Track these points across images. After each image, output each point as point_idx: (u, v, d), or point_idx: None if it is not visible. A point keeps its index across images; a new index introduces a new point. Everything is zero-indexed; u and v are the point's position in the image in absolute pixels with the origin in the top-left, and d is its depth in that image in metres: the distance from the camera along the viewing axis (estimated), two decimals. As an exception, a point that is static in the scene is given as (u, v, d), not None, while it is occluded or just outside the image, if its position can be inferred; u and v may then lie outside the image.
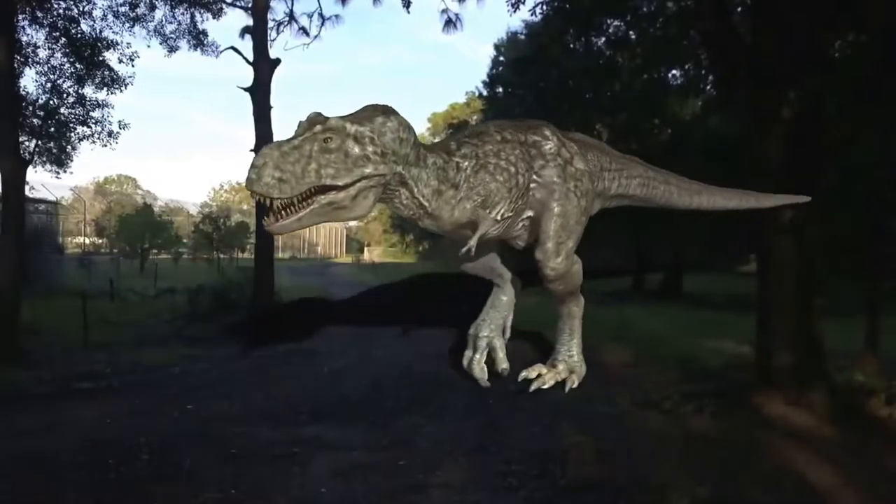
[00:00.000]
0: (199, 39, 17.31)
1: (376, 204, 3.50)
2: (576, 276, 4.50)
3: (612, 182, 4.85)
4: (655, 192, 5.10)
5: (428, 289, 13.87)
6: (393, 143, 3.37)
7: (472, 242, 3.80)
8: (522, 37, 28.13)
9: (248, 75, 15.06)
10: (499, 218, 3.96)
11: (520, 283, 5.09)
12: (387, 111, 3.45)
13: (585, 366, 4.86)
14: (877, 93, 6.51)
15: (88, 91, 18.03)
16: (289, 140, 3.12)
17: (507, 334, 5.22)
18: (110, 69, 17.61)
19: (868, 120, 6.92)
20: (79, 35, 16.56)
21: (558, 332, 4.94)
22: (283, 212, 3.12)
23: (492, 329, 5.06)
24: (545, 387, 4.77)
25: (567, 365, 4.82)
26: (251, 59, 15.02)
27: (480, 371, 4.96)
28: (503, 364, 5.03)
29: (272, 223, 3.16)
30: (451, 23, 15.03)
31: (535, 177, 4.10)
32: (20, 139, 16.13)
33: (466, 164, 3.78)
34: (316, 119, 3.19)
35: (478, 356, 5.02)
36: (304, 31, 17.34)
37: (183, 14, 17.01)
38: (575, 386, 4.79)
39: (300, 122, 3.21)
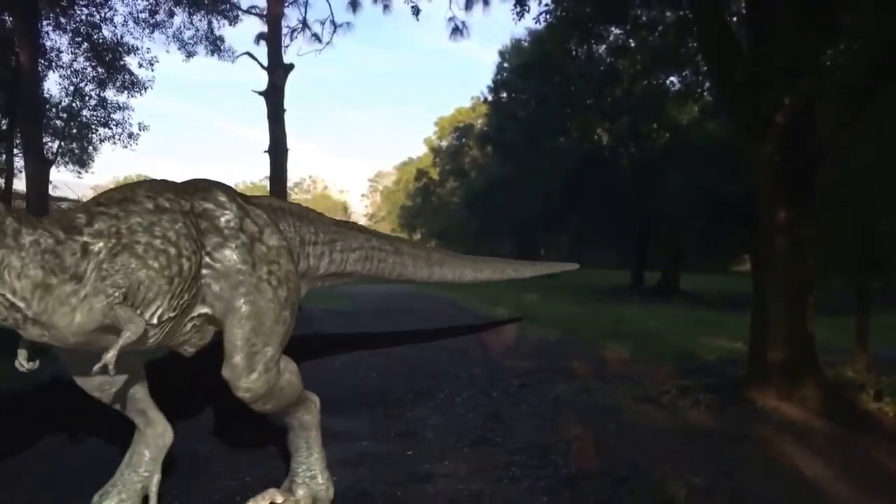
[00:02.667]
0: (215, 45, 17.41)
1: None
2: (289, 390, 3.35)
3: (320, 258, 3.72)
4: (383, 266, 4.14)
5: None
6: None
7: (110, 357, 2.58)
8: (526, 44, 28.12)
9: (262, 80, 15.11)
10: (155, 321, 2.77)
11: (171, 432, 3.62)
12: None
13: (333, 488, 3.81)
14: (868, 97, 6.48)
15: (109, 94, 18.20)
16: None
17: None
18: (131, 73, 17.75)
19: (860, 124, 6.89)
20: (100, 40, 16.67)
21: (291, 447, 3.81)
22: None
23: (122, 501, 3.41)
24: None
25: (309, 490, 3.70)
26: (266, 64, 15.05)
27: None
28: None
29: None
30: (457, 30, 15.09)
31: (208, 260, 2.93)
32: (44, 140, 16.23)
33: (100, 244, 2.61)
34: None
35: None
36: (317, 37, 17.44)
37: (200, 21, 17.13)
38: None
39: None
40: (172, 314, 2.82)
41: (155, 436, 3.52)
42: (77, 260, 2.54)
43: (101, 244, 2.62)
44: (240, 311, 2.96)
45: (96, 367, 2.59)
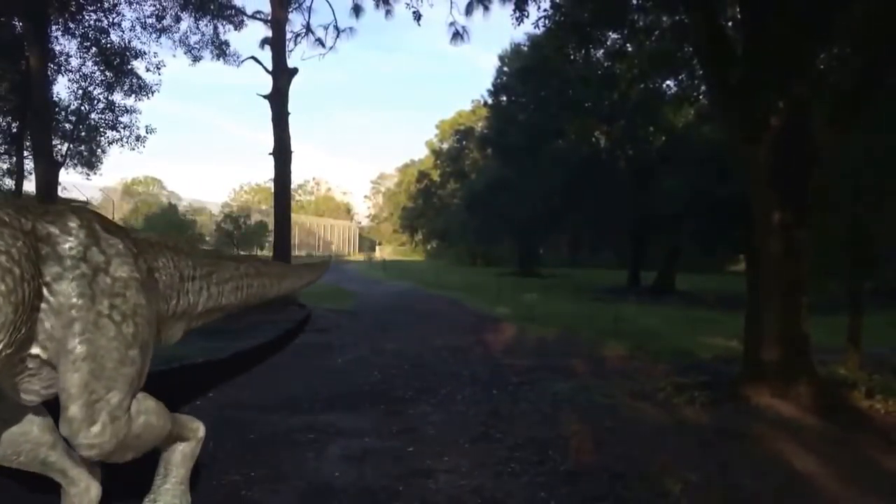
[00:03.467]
0: (221, 50, 17.40)
1: None
2: (148, 435, 2.81)
3: (199, 294, 3.31)
4: (251, 292, 3.77)
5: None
6: None
7: None
8: (525, 48, 28.11)
9: (267, 83, 15.13)
10: None
11: (97, 486, 3.17)
12: None
13: None
14: (861, 101, 6.50)
15: (117, 97, 18.19)
16: None
17: None
18: (138, 77, 17.75)
19: (852, 127, 6.91)
20: (108, 45, 16.68)
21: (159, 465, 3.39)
22: None
23: None
24: None
25: None
26: (270, 68, 15.06)
27: None
28: None
29: None
30: (458, 35, 15.07)
31: (45, 292, 2.39)
32: (53, 143, 16.24)
33: None
34: None
35: None
36: (320, 42, 17.46)
37: (206, 26, 17.12)
38: None
39: None
40: (10, 350, 2.27)
41: (79, 494, 3.11)
42: None
43: None
44: (74, 352, 2.43)
45: None
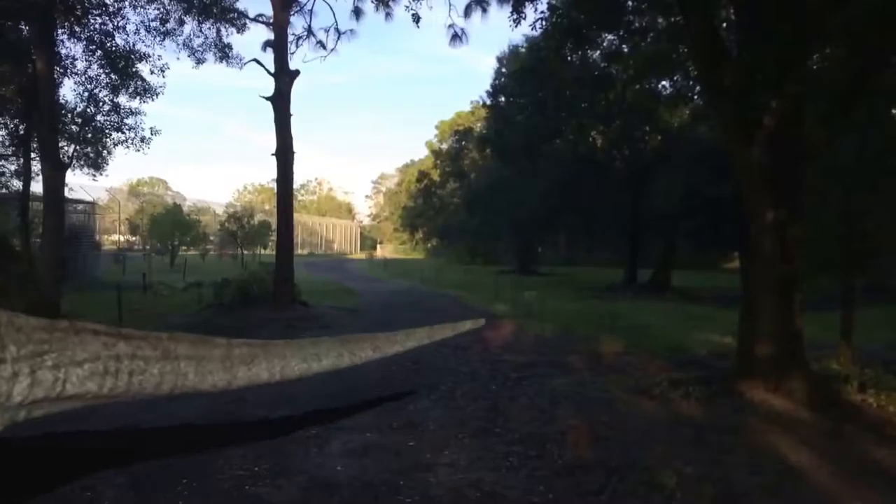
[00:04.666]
0: (224, 52, 17.35)
1: None
2: None
3: (18, 381, 2.08)
4: (141, 380, 2.39)
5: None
6: None
7: None
8: (523, 50, 28.07)
9: (269, 85, 15.10)
10: None
11: None
12: None
13: None
14: (853, 100, 6.49)
15: (122, 100, 18.15)
16: None
17: None
18: (143, 79, 17.72)
19: (844, 126, 6.90)
20: (113, 48, 16.65)
21: None
22: None
23: None
24: None
25: None
26: (272, 70, 15.04)
27: None
28: None
29: None
30: (457, 37, 14.99)
31: None
32: (60, 145, 16.24)
33: None
34: None
35: None
36: (322, 44, 17.38)
37: (209, 29, 17.06)
38: None
39: None
40: None
41: None
42: None
43: None
44: None
45: None
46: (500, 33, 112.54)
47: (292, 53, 16.08)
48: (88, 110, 17.79)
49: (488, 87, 31.99)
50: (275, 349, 2.65)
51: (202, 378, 2.41)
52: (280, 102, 14.84)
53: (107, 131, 18.61)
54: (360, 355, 2.95)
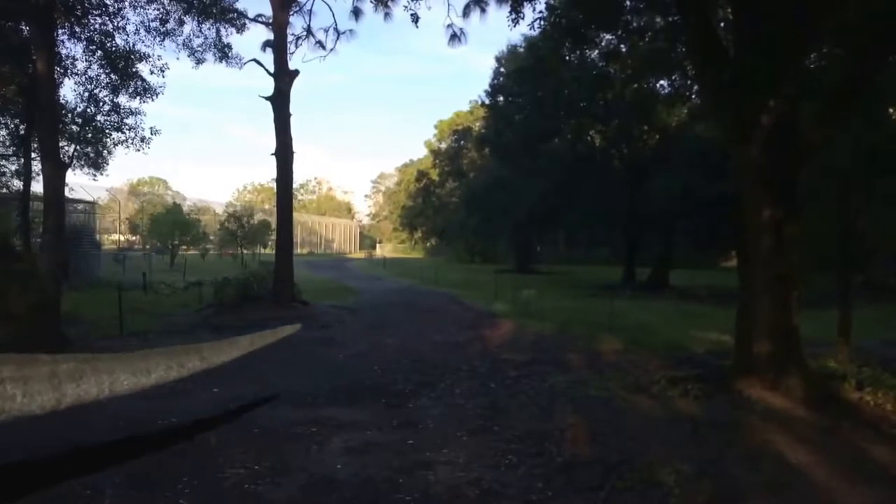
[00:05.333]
0: (224, 52, 17.34)
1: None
2: None
3: None
4: None
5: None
6: None
7: None
8: (522, 49, 28.08)
9: (269, 85, 15.08)
10: None
11: None
12: None
13: None
14: (850, 100, 6.49)
15: (123, 100, 18.20)
16: None
17: None
18: (143, 80, 17.75)
19: (840, 126, 6.90)
20: (114, 48, 16.67)
21: None
22: None
23: None
24: None
25: None
26: (272, 70, 15.02)
27: None
28: None
29: None
30: (455, 36, 14.96)
31: None
32: (60, 145, 16.24)
33: None
34: None
35: None
36: (321, 44, 17.36)
37: (209, 29, 17.06)
38: None
39: None
40: None
41: None
42: None
43: None
44: None
45: None
46: (498, 33, 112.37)
47: (292, 53, 16.08)
48: (89, 110, 17.81)
49: (487, 87, 32.00)
50: (103, 364, 2.49)
51: (31, 399, 2.16)
52: (280, 102, 14.83)
53: (107, 131, 18.64)
54: (189, 366, 2.98)
